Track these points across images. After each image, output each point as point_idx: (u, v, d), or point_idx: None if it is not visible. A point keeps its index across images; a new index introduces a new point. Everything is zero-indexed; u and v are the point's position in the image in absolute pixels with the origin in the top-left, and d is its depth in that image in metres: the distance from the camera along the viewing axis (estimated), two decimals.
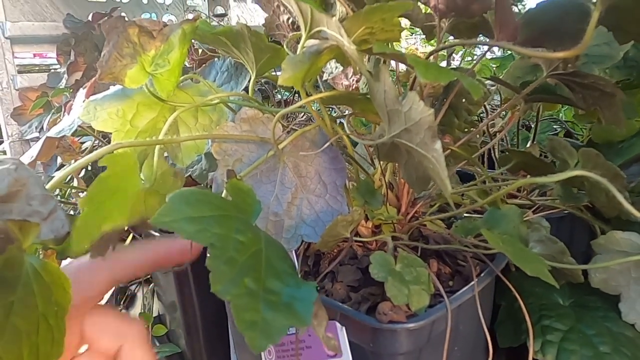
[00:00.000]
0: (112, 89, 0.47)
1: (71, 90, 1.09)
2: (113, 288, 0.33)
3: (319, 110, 0.40)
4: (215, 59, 0.53)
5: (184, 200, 0.27)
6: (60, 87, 1.22)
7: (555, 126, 0.96)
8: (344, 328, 0.34)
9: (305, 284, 0.27)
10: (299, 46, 0.36)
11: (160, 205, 0.28)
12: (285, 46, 0.43)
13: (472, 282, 0.37)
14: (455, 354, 0.38)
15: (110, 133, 0.44)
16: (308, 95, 0.38)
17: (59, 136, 0.58)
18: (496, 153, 0.65)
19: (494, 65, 1.12)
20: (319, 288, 0.40)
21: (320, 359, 0.37)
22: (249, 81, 0.48)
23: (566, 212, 0.51)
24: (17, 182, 0.24)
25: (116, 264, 0.31)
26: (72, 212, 0.72)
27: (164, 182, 0.41)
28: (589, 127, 0.63)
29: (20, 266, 0.24)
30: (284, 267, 0.28)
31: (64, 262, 0.31)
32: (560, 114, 0.96)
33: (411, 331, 0.33)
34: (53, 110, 1.14)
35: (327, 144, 0.39)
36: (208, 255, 0.25)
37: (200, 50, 0.84)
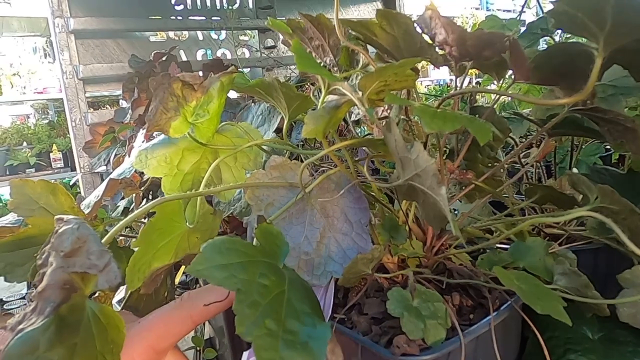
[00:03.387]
0: (161, 136, 0.53)
1: (135, 125, 1.20)
2: None
3: (341, 154, 0.43)
4: (252, 103, 0.59)
5: (215, 249, 0.31)
6: (125, 121, 1.33)
7: (608, 146, 0.92)
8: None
9: (321, 324, 0.31)
10: (319, 101, 0.39)
11: (201, 242, 0.32)
12: (311, 94, 0.47)
13: (489, 317, 0.38)
14: None
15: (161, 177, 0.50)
16: (331, 142, 0.41)
17: (120, 177, 0.66)
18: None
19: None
20: (345, 319, 0.43)
21: None
22: (281, 122, 0.53)
23: (602, 243, 0.51)
24: (79, 240, 0.29)
25: (153, 335, 0.34)
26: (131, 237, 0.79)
27: (205, 221, 0.46)
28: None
29: (82, 311, 0.29)
30: (304, 307, 0.32)
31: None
32: None
33: None
34: (118, 145, 1.25)
35: (350, 185, 0.42)
36: (235, 299, 0.29)
37: None
